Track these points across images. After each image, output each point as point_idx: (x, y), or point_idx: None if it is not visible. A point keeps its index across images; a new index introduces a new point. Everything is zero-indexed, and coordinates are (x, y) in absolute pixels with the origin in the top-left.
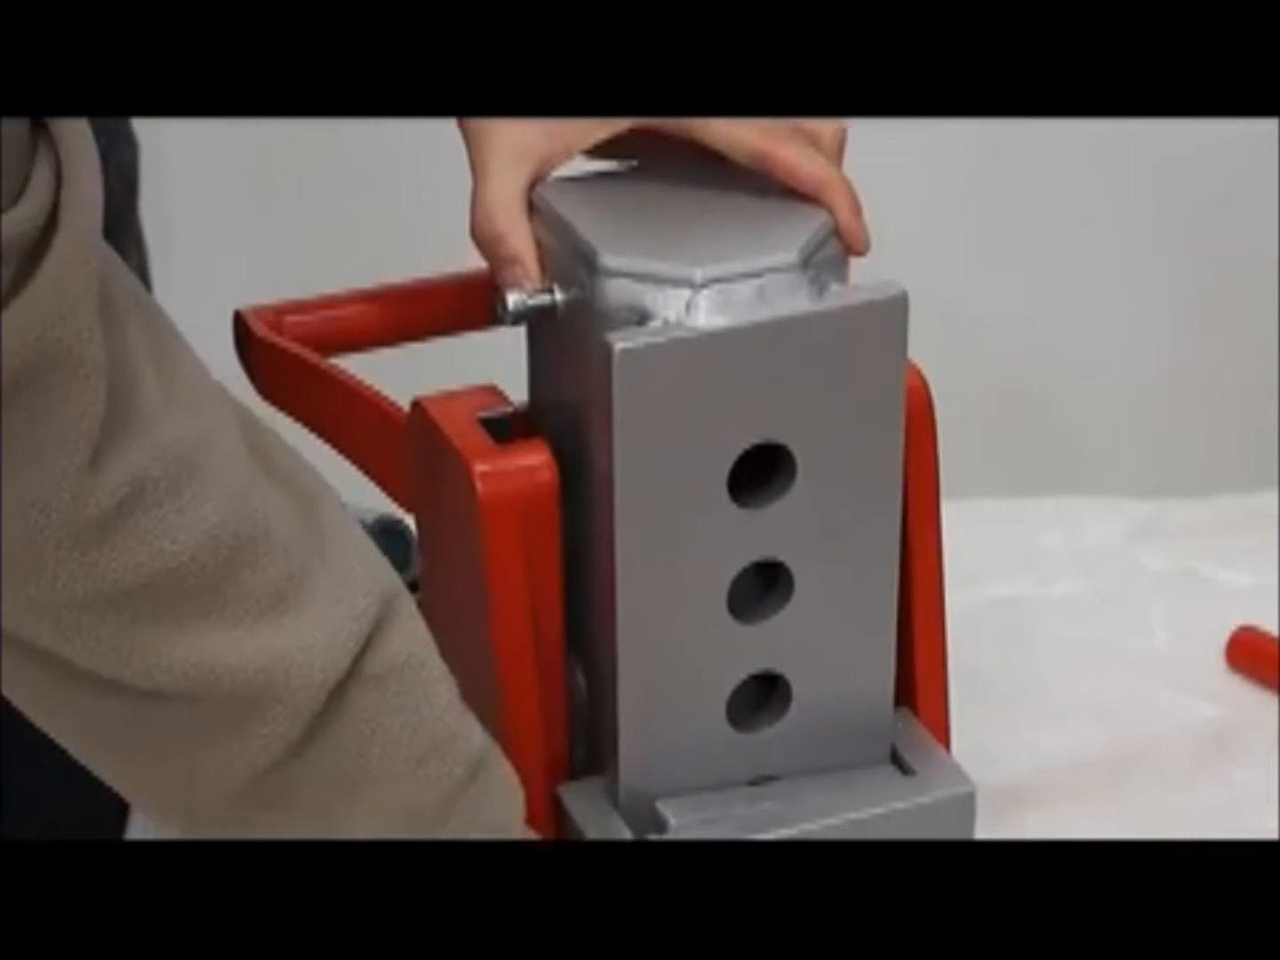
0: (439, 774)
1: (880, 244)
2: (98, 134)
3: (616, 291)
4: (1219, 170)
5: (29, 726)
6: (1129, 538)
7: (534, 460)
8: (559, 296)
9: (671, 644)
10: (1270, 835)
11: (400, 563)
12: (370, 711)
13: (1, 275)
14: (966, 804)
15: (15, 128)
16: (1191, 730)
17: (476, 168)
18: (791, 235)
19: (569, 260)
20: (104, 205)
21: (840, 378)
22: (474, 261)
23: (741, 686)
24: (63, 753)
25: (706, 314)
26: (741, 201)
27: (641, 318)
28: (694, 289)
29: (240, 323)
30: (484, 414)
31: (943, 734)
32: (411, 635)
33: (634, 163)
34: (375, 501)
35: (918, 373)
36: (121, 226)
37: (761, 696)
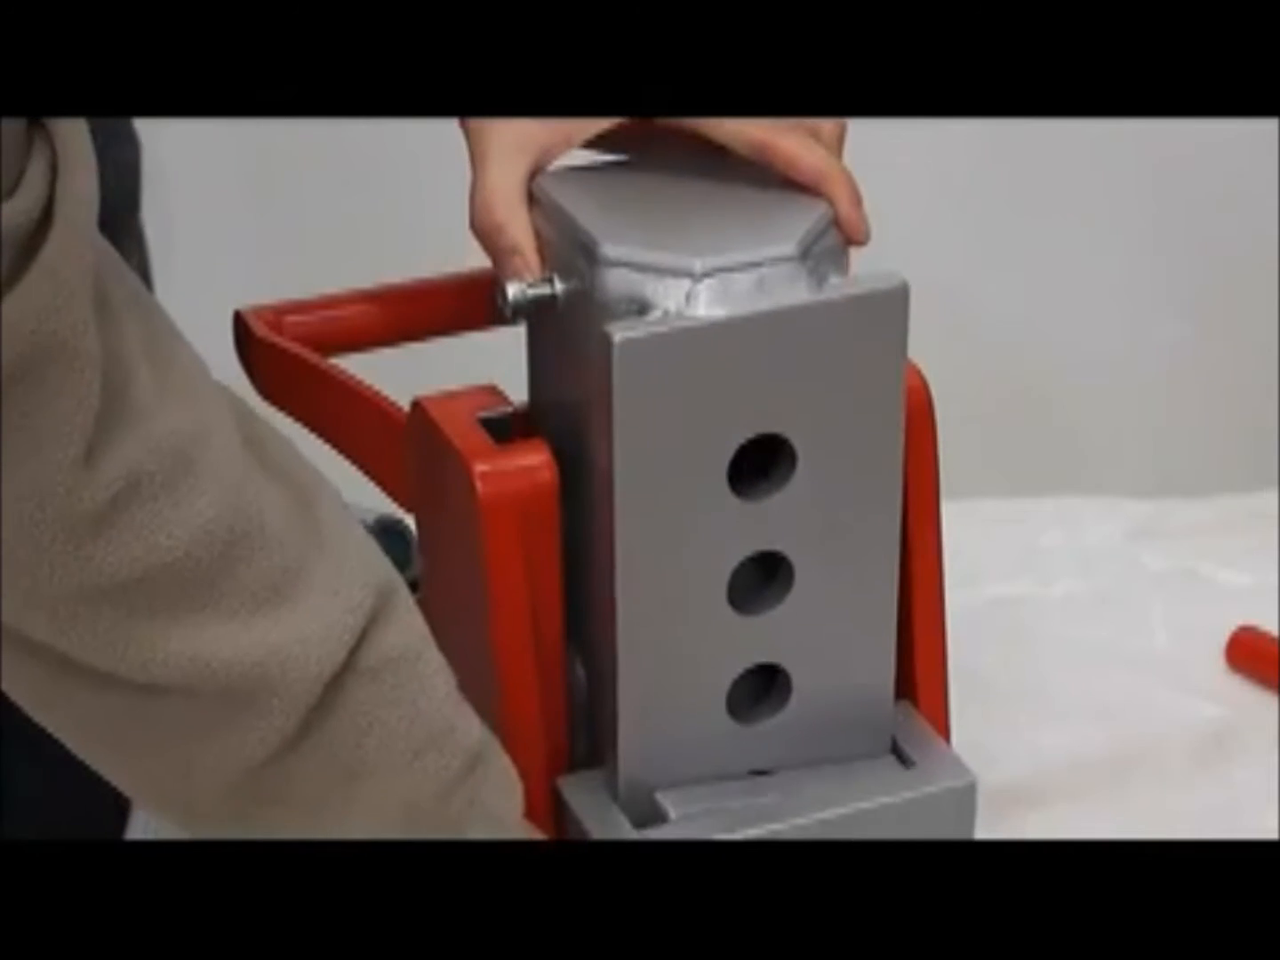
0: (436, 766)
1: (880, 245)
2: (95, 132)
3: (616, 282)
4: (1219, 170)
5: (29, 726)
6: (1129, 538)
7: (534, 460)
8: (559, 287)
9: (671, 636)
10: (1270, 835)
11: (400, 563)
12: (367, 704)
13: None
14: (967, 796)
15: (12, 121)
16: (1191, 730)
17: (476, 158)
18: (791, 226)
19: (569, 251)
20: (100, 202)
21: (840, 369)
22: (474, 262)
23: (741, 678)
24: (63, 753)
25: (706, 304)
26: (741, 192)
27: (641, 308)
28: (694, 279)
29: (240, 323)
30: (484, 414)
31: (943, 728)
32: (408, 628)
33: (634, 154)
34: (375, 501)
35: (918, 373)
36: (123, 226)
37: (761, 688)
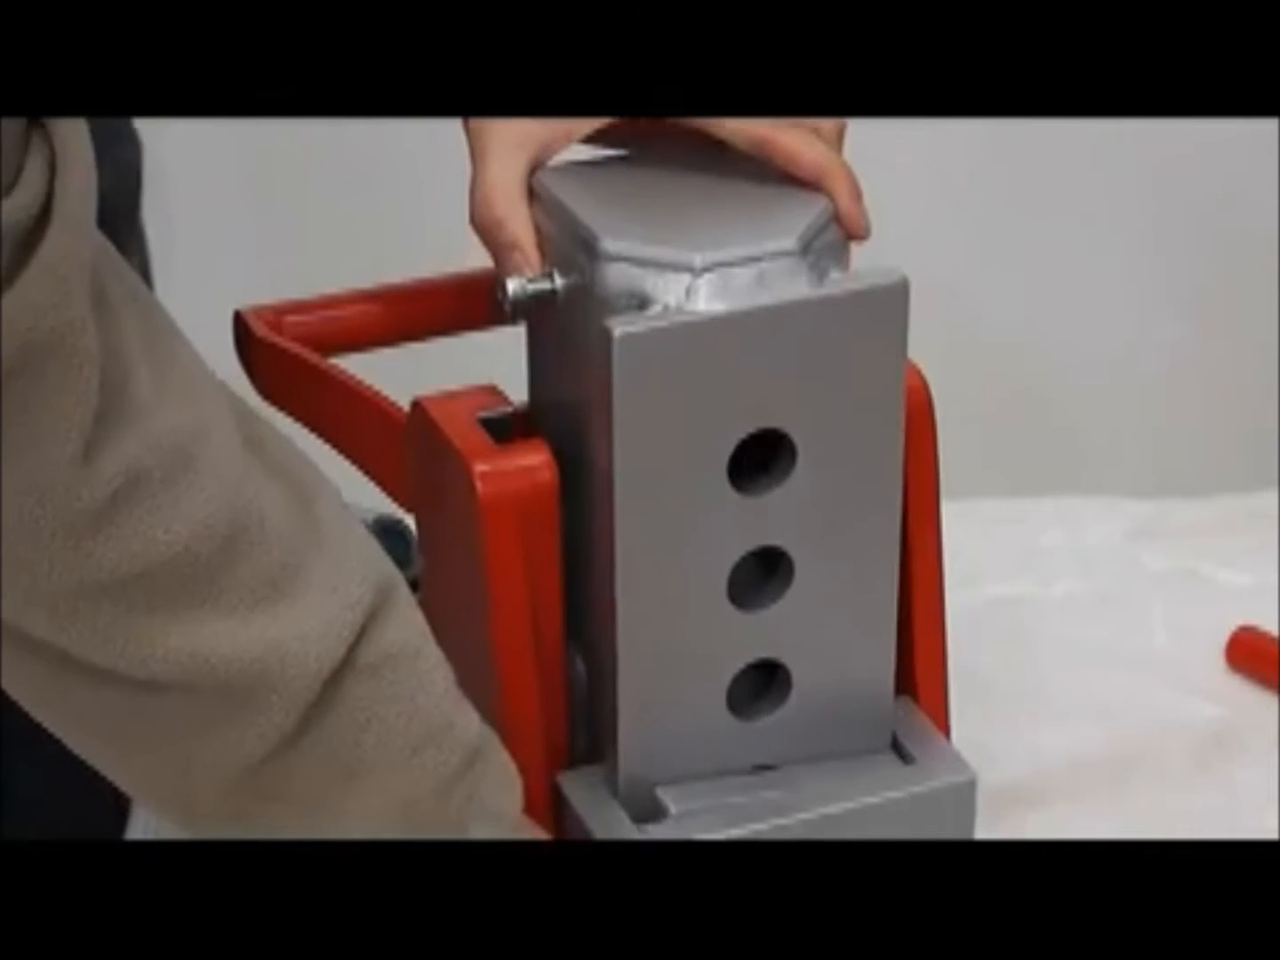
0: (435, 763)
1: (880, 245)
2: (95, 132)
3: (616, 277)
4: (1219, 170)
5: (29, 726)
6: (1129, 538)
7: (534, 460)
8: (559, 282)
9: (671, 631)
10: (1270, 835)
11: (400, 562)
12: (366, 700)
13: None
14: (967, 792)
15: (11, 119)
16: (1191, 730)
17: (476, 154)
18: (791, 221)
19: (569, 246)
20: (100, 202)
21: (840, 364)
22: (474, 262)
23: (742, 674)
24: (62, 752)
25: (706, 299)
26: (741, 187)
27: (641, 303)
28: (694, 274)
29: (240, 323)
30: (484, 414)
31: (943, 726)
32: (407, 624)
33: (634, 149)
34: (375, 501)
35: (918, 373)
36: (124, 226)
37: (761, 684)
